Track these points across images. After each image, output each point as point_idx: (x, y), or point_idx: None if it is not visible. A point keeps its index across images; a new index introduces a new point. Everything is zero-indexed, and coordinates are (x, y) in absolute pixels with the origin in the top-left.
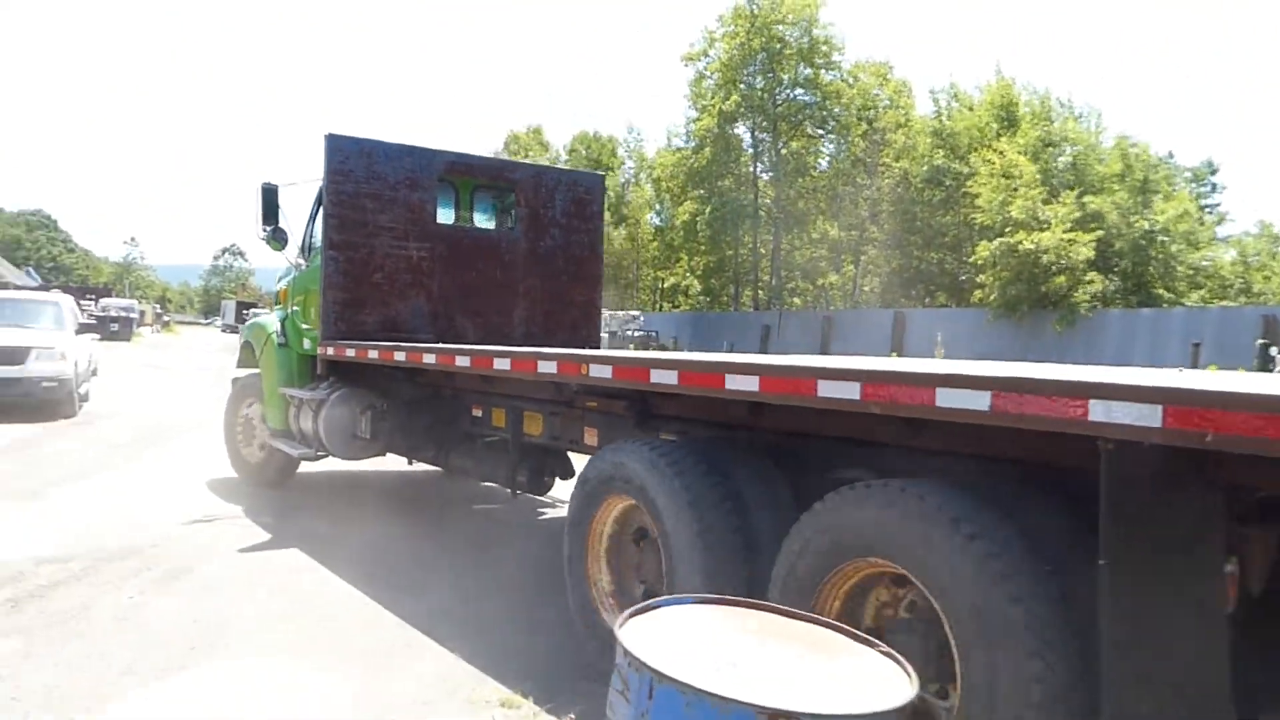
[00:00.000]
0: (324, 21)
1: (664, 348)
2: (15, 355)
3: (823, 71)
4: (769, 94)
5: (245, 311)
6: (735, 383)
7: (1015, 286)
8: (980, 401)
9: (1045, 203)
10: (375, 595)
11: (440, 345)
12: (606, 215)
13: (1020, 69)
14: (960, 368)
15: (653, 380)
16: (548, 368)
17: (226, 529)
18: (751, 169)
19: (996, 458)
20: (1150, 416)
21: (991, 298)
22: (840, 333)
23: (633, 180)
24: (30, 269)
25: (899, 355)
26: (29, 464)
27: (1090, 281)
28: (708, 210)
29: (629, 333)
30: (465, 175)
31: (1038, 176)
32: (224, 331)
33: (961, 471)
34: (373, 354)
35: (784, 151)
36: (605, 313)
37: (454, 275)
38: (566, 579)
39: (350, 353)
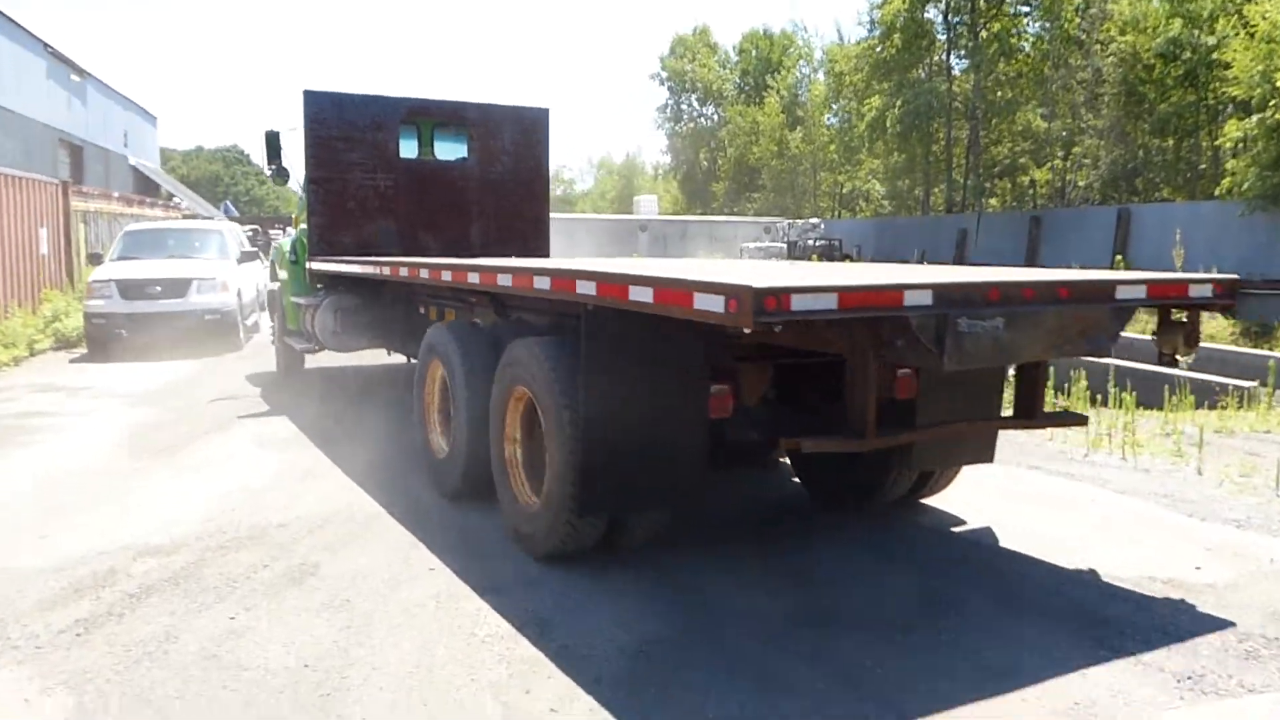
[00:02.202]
0: None
1: (848, 257)
2: (176, 288)
3: None
4: None
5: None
6: (501, 279)
7: (1278, 172)
8: (590, 288)
9: None
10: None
11: (380, 258)
12: (781, 117)
13: None
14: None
15: (469, 280)
16: (446, 275)
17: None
18: (945, 56)
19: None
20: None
21: (1244, 188)
22: (1052, 235)
23: (808, 79)
24: (229, 203)
25: (1123, 259)
26: (175, 409)
27: None
28: (897, 104)
29: (809, 241)
30: (424, 116)
31: None
32: None
33: (570, 327)
34: (339, 267)
35: (983, 35)
36: (783, 221)
37: (417, 201)
38: (415, 417)
39: (329, 267)
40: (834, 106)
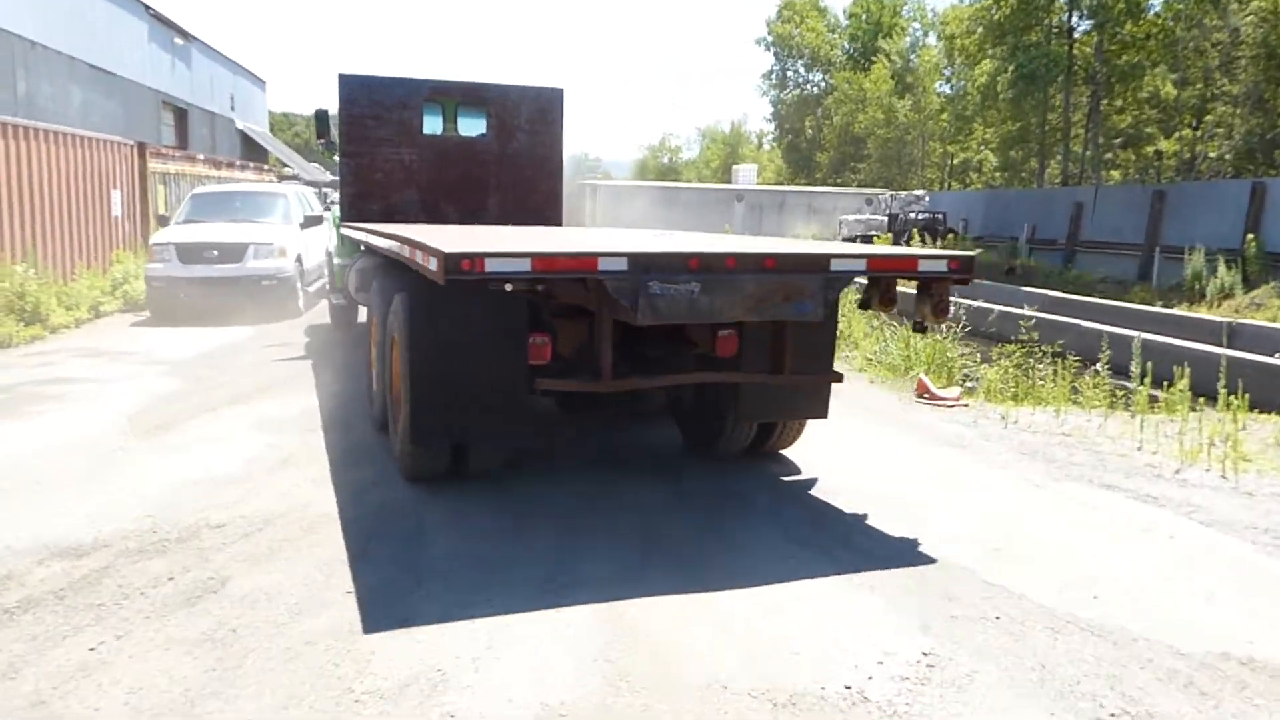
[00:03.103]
0: None
1: (953, 233)
2: (233, 252)
3: None
4: None
5: None
6: (385, 243)
7: None
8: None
9: None
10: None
11: (380, 227)
12: (890, 84)
13: None
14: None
15: (378, 245)
16: (379, 241)
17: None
18: (1066, 17)
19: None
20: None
21: None
22: (1177, 211)
23: (920, 43)
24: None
25: (1255, 237)
26: (201, 380)
27: None
28: (1010, 69)
29: (911, 215)
30: (446, 96)
31: None
32: None
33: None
34: (348, 232)
35: None
36: (886, 193)
37: (439, 173)
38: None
39: (348, 232)
40: (946, 73)
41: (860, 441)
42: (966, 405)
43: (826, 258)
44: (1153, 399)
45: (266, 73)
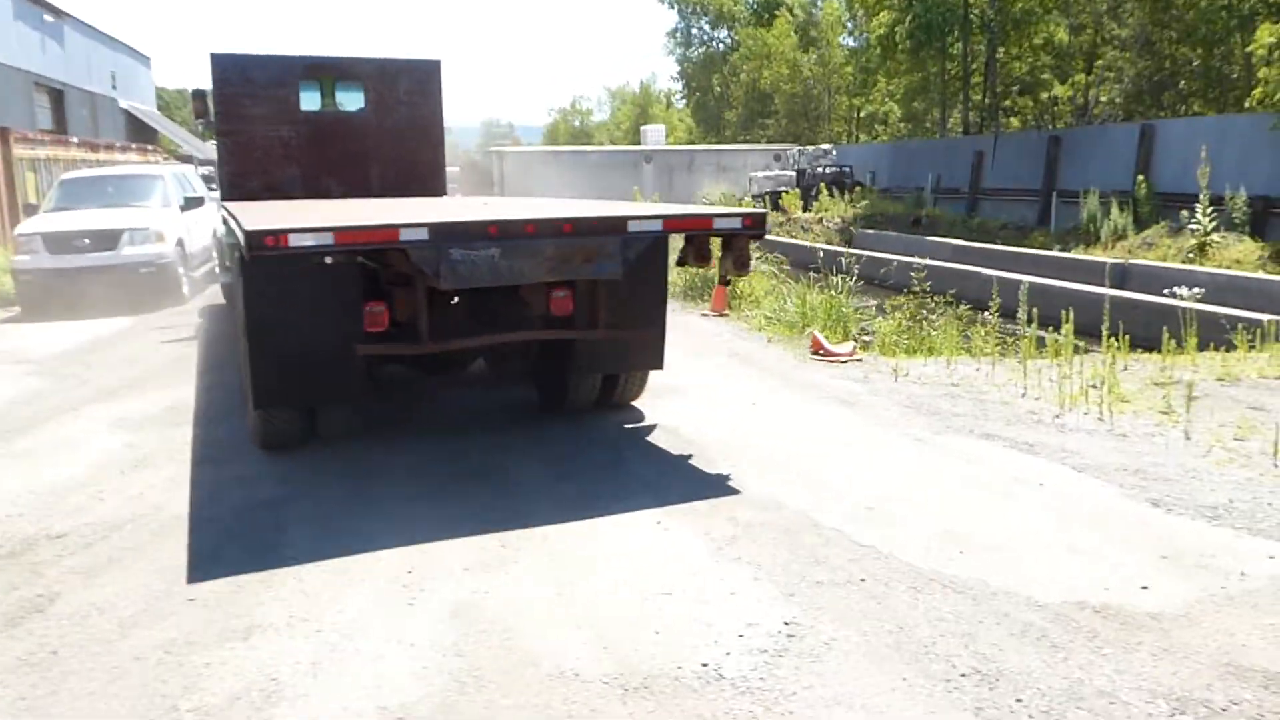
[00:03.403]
0: None
1: (859, 185)
2: (106, 239)
3: None
4: None
5: None
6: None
7: None
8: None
9: None
10: None
11: (233, 205)
12: (794, 39)
13: None
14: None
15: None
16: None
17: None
18: None
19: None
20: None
21: (1277, 98)
22: (1072, 155)
23: None
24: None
25: (1145, 179)
26: (68, 377)
27: None
28: (908, 20)
29: (819, 169)
30: (323, 73)
31: None
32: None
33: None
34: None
35: None
36: (793, 148)
37: (319, 149)
38: None
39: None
40: (848, 26)
41: (745, 400)
42: (860, 360)
43: (623, 220)
44: (1040, 343)
45: (155, 49)
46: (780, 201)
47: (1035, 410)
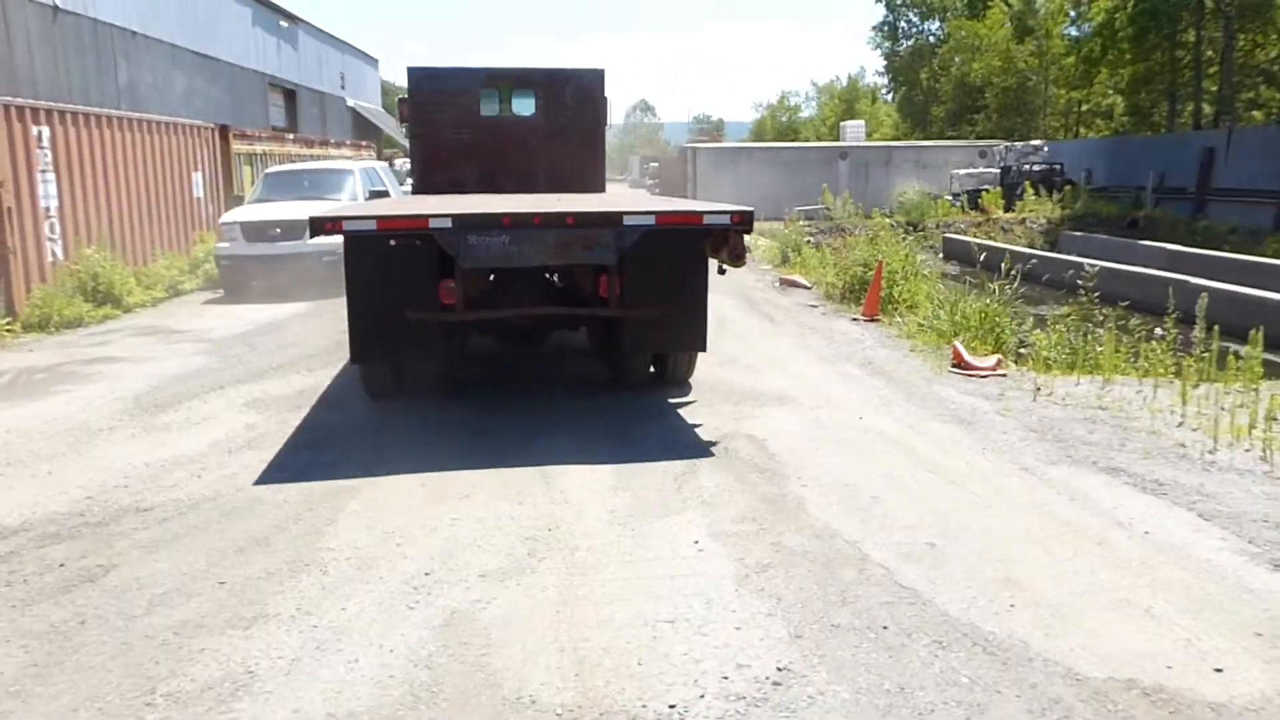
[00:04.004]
0: None
1: (1071, 184)
2: (295, 230)
3: None
4: None
5: None
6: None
7: None
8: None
9: None
10: None
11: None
12: (1008, 29)
13: None
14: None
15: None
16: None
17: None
18: None
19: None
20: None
21: None
22: None
23: None
24: None
25: None
26: (231, 357)
27: None
28: (1129, 5)
29: (1027, 167)
30: (500, 82)
31: None
32: (630, 186)
33: None
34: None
35: None
36: (1001, 145)
37: (495, 149)
38: None
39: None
40: (1071, 14)
41: (853, 414)
42: (1004, 375)
43: (619, 214)
44: (1223, 362)
45: (383, 51)
46: (980, 200)
47: (1185, 443)
